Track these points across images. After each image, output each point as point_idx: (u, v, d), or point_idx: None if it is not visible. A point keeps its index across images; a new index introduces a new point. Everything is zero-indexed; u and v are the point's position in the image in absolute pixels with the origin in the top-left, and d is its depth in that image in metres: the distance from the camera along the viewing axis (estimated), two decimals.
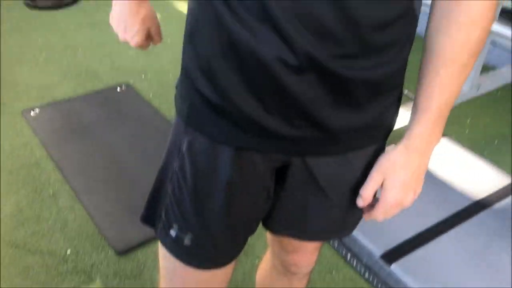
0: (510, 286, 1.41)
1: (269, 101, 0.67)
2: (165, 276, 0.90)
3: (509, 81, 2.38)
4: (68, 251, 1.64)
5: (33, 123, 2.22)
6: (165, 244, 0.84)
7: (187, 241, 0.81)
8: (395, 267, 1.45)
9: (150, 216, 0.85)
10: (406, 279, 1.42)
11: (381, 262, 1.48)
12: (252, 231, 0.85)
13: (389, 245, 1.52)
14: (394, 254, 1.49)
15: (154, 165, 0.84)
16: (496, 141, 2.24)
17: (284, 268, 1.05)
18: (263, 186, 0.78)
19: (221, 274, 0.87)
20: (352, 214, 0.85)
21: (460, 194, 1.72)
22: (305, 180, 0.77)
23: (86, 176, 1.94)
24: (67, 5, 3.34)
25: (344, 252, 1.61)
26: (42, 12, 3.23)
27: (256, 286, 1.24)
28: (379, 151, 0.78)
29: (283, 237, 0.95)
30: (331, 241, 1.65)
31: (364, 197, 0.76)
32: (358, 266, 1.56)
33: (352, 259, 1.58)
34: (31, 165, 1.99)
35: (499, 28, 1.98)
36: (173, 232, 0.82)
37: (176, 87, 0.78)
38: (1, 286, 1.51)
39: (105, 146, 2.10)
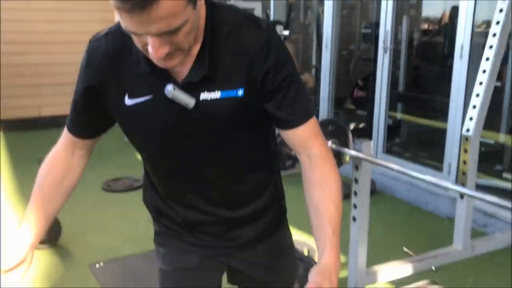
0: None
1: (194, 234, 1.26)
2: None
3: (502, 245, 2.69)
4: None
5: (97, 273, 2.72)
6: None
7: None
8: None
9: None
10: None
11: None
12: None
13: None
14: None
15: None
16: None
17: None
18: (219, 269, 1.31)
19: None
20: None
21: None
22: (249, 262, 1.31)
23: None
24: (135, 188, 4.11)
25: None
26: (115, 194, 4.00)
27: None
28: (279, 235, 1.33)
29: None
30: None
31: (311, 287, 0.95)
32: None
33: None
34: None
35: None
36: None
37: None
38: None
39: None
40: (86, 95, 1.12)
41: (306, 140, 1.10)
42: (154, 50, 0.91)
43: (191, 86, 1.03)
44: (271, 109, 1.08)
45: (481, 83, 2.46)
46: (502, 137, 4.11)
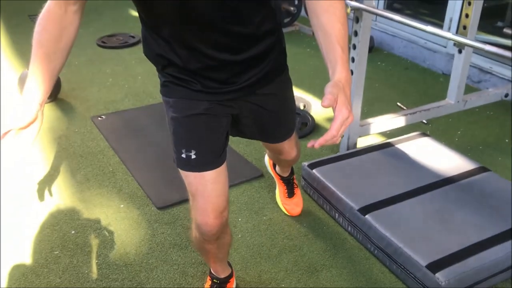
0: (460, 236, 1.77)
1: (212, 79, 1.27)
2: (191, 195, 1.37)
3: (494, 100, 2.76)
4: (122, 206, 2.15)
5: (99, 125, 2.81)
6: (182, 166, 1.34)
7: (193, 155, 1.31)
8: (369, 217, 1.86)
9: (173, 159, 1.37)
10: (377, 226, 1.82)
11: (358, 214, 1.89)
12: (227, 142, 1.38)
13: (366, 202, 1.93)
14: (369, 208, 1.90)
15: None
16: (480, 147, 2.62)
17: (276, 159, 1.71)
18: (225, 115, 1.34)
19: (222, 172, 1.36)
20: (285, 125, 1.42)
21: (432, 172, 2.12)
22: (256, 109, 1.36)
23: (137, 159, 2.48)
24: (131, 45, 4.05)
25: (333, 213, 2.03)
26: (110, 50, 3.96)
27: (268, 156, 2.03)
28: (283, 79, 1.38)
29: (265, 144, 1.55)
30: (315, 197, 2.08)
31: (328, 100, 0.96)
32: (342, 220, 1.98)
33: (338, 217, 2.00)
34: (97, 152, 2.56)
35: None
36: (183, 155, 1.32)
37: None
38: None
39: (153, 141, 2.64)
40: None
41: None
42: None
43: None
44: None
45: None
46: None
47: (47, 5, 1.17)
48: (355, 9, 2.18)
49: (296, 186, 2.09)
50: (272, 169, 2.08)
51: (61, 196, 2.21)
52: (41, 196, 2.22)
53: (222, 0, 1.12)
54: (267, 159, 2.12)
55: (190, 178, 1.33)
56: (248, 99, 1.35)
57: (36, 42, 1.15)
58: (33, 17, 4.59)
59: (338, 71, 1.03)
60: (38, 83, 1.15)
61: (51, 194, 2.22)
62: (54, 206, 2.14)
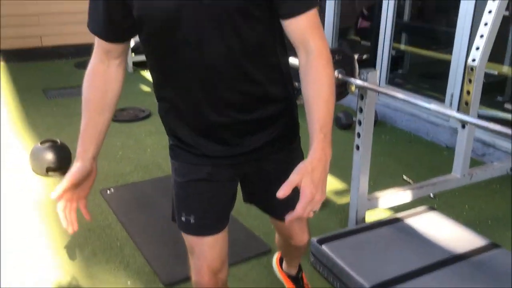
0: None
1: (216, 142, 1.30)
2: (189, 253, 1.40)
3: (499, 174, 2.79)
4: (128, 282, 2.13)
5: (108, 198, 2.83)
6: (181, 228, 1.38)
7: (192, 220, 1.35)
8: None
9: (173, 217, 1.41)
10: None
11: None
12: (231, 207, 1.40)
13: (377, 280, 1.90)
14: (380, 286, 1.87)
15: None
16: (489, 221, 2.61)
17: (286, 247, 1.68)
18: (230, 179, 1.36)
19: (221, 238, 1.37)
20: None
21: (443, 248, 2.10)
22: (262, 176, 1.38)
23: (146, 233, 2.48)
24: (141, 119, 4.16)
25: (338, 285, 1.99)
26: (121, 123, 4.06)
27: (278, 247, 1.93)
28: (293, 148, 1.37)
29: (273, 221, 1.52)
30: (325, 273, 2.05)
31: (284, 190, 1.01)
32: None
33: None
34: (105, 226, 2.56)
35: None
36: (183, 218, 1.36)
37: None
38: None
39: (161, 214, 2.65)
40: None
41: (305, 31, 1.12)
42: None
43: None
44: None
45: (490, 12, 2.44)
46: (505, 69, 4.11)
47: (91, 62, 1.27)
48: (360, 87, 2.26)
49: (306, 285, 2.00)
50: (279, 269, 2.02)
51: (68, 271, 2.19)
52: (48, 271, 2.20)
53: (231, 51, 1.15)
54: (274, 261, 2.08)
55: (189, 238, 1.38)
56: (254, 164, 1.35)
57: (85, 99, 1.26)
58: (47, 91, 4.75)
59: (311, 151, 1.07)
60: (89, 139, 1.26)
61: (58, 269, 2.21)
62: (61, 282, 2.12)
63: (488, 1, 2.43)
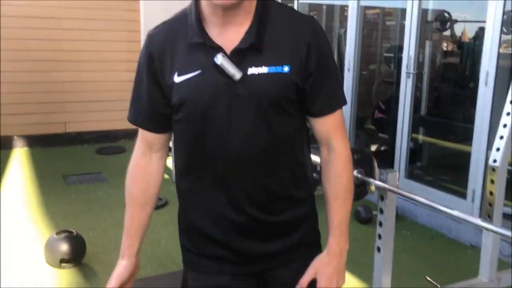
0: None
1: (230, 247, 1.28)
2: None
3: None
4: None
5: None
6: None
7: None
8: None
9: None
10: None
11: None
12: None
13: None
14: None
15: None
16: None
17: None
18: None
19: None
20: None
21: None
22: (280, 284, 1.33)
23: None
24: (157, 208, 4.15)
25: None
26: None
27: None
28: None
29: None
30: None
31: (301, 283, 1.21)
32: None
33: None
34: None
35: None
36: None
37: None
38: None
39: None
40: (149, 78, 1.21)
41: (330, 130, 1.23)
42: None
43: (239, 57, 1.13)
44: (310, 90, 1.19)
45: (508, 114, 2.45)
46: None
47: (133, 157, 1.31)
48: (380, 188, 2.23)
49: None
50: None
51: None
52: None
53: (260, 143, 1.18)
54: None
55: None
56: (271, 273, 1.30)
57: (128, 194, 1.30)
58: (67, 177, 4.81)
59: (328, 246, 1.22)
60: (134, 234, 1.30)
61: None
62: None
63: (506, 104, 2.44)
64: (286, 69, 1.15)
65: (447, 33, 5.11)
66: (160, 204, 4.19)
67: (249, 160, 1.19)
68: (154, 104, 1.23)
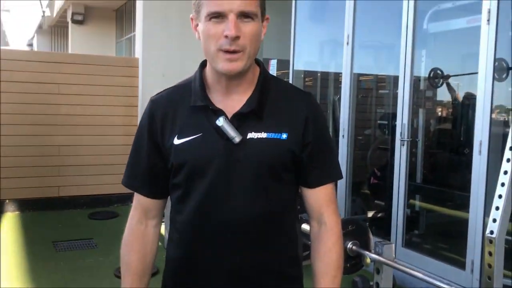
0: None
1: None
2: None
3: None
4: None
5: None
6: None
7: None
8: None
9: None
10: None
11: None
12: None
13: None
14: None
15: None
16: None
17: None
18: None
19: None
20: None
21: None
22: None
23: None
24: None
25: None
26: None
27: None
28: None
29: None
30: None
31: None
32: None
33: None
34: None
35: None
36: None
37: None
38: None
39: None
40: (149, 140, 1.23)
41: (322, 203, 1.24)
42: (232, 26, 1.09)
43: (240, 121, 1.17)
44: (307, 161, 1.21)
45: (503, 184, 2.44)
46: None
47: (129, 224, 1.29)
48: (375, 261, 2.17)
49: None
50: None
51: None
52: None
53: (253, 210, 1.18)
54: None
55: None
56: None
57: (125, 264, 1.27)
58: (56, 243, 4.70)
59: None
60: None
61: None
62: None
63: (500, 174, 2.43)
64: (284, 136, 1.18)
65: (441, 98, 5.20)
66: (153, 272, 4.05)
67: (246, 226, 1.18)
68: (152, 167, 1.24)
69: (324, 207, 1.24)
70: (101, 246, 4.56)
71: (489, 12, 3.21)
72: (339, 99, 4.78)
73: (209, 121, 1.18)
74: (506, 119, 4.10)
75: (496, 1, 3.19)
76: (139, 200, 1.29)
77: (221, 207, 1.18)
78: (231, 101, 1.20)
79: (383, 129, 4.88)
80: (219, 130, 1.16)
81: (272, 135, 1.18)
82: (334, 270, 1.23)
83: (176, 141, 1.19)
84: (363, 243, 2.26)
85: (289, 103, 1.23)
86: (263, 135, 1.17)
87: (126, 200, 5.34)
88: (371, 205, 5.04)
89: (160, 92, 1.30)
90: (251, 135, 1.17)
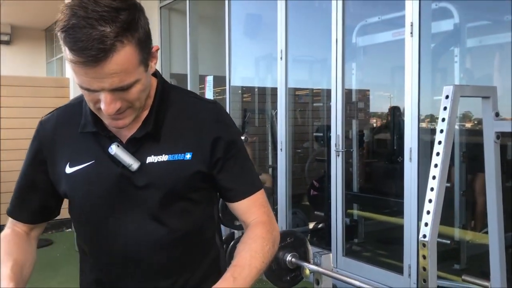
0: None
1: None
2: None
3: None
4: None
5: None
6: None
7: None
8: None
9: None
10: None
11: None
12: None
13: None
14: None
15: None
16: None
17: None
18: None
19: None
20: None
21: None
22: None
23: None
24: None
25: None
26: None
27: None
28: None
29: None
30: None
31: None
32: None
33: None
34: None
35: None
36: None
37: None
38: None
39: None
40: (35, 165, 1.14)
41: (249, 210, 1.14)
42: (107, 105, 0.95)
43: (136, 146, 1.06)
44: (221, 178, 1.11)
45: (432, 189, 2.52)
46: (456, 232, 4.18)
47: (9, 224, 1.17)
48: (314, 272, 2.18)
49: None
50: None
51: None
52: None
53: (156, 238, 1.09)
54: None
55: None
56: None
57: (5, 252, 1.08)
58: None
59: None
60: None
61: None
62: None
63: (429, 179, 2.52)
64: (188, 156, 1.08)
65: (374, 110, 5.37)
66: None
67: (148, 259, 1.09)
68: (40, 198, 1.16)
69: (254, 210, 1.14)
70: (33, 275, 4.31)
71: (411, 25, 3.36)
72: (276, 113, 4.84)
73: (102, 148, 1.07)
74: (435, 127, 4.29)
75: (418, 15, 3.35)
76: (19, 224, 1.19)
77: (117, 239, 1.09)
78: None
79: (319, 141, 4.96)
80: (114, 158, 1.06)
81: (174, 157, 1.08)
82: (256, 249, 1.08)
83: (68, 170, 1.09)
84: (302, 254, 2.26)
85: (192, 117, 1.12)
86: (164, 157, 1.07)
87: (60, 226, 5.10)
88: (312, 217, 5.10)
89: (49, 113, 1.18)
90: (151, 159, 1.07)
